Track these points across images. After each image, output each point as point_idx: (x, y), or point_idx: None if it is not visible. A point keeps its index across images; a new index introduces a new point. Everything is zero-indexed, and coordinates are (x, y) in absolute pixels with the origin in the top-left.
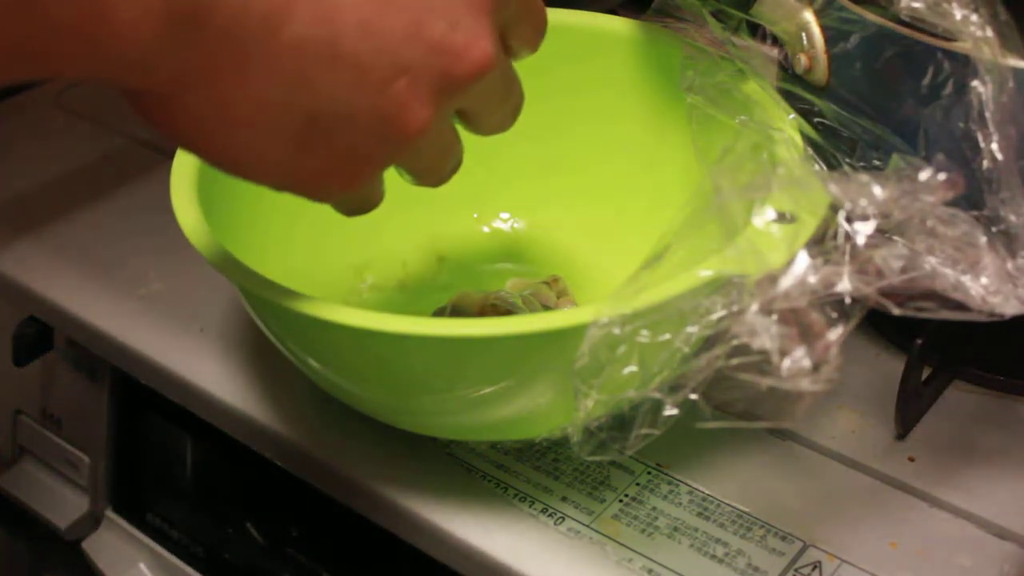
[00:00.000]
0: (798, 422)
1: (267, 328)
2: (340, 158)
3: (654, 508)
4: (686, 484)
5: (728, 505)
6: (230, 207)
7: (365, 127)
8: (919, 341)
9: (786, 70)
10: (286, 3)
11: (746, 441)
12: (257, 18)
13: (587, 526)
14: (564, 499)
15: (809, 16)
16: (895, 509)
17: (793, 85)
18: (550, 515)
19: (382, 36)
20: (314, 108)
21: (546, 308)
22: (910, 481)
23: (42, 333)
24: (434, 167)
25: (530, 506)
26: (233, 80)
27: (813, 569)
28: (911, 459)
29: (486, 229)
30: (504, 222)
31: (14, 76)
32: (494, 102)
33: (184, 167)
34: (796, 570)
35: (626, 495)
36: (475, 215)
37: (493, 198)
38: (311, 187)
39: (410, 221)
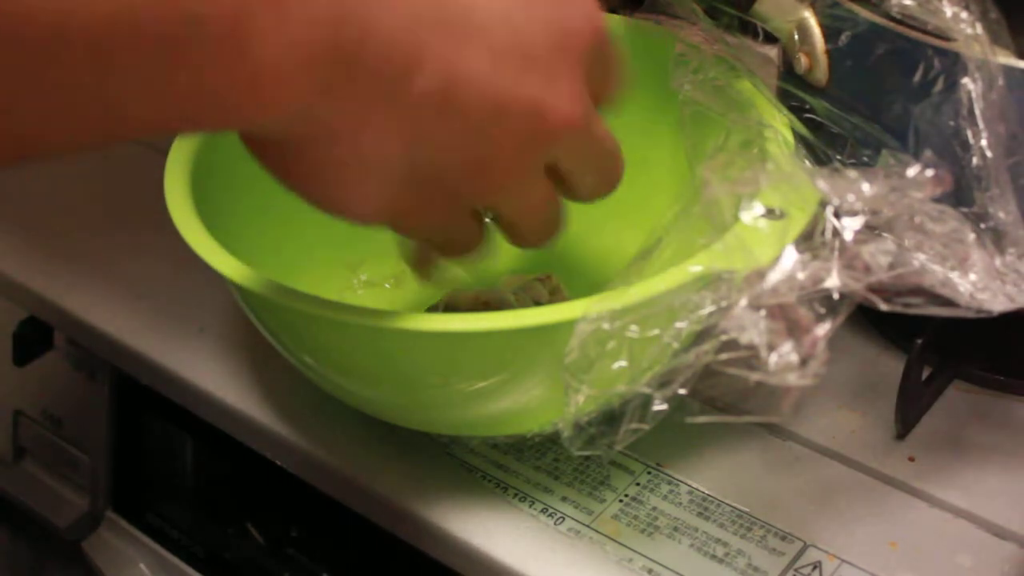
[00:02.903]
0: (785, 416)
1: (262, 325)
2: (434, 201)
3: (654, 508)
4: (686, 484)
5: (728, 505)
6: (225, 205)
7: (460, 171)
8: (919, 341)
9: (785, 70)
10: (418, 54)
11: (746, 441)
12: (393, 73)
13: (587, 526)
14: (564, 499)
15: (808, 15)
16: (895, 509)
17: (792, 85)
18: (550, 515)
19: (488, 90)
20: (419, 158)
21: (538, 304)
22: (910, 481)
23: (42, 333)
24: (529, 223)
25: (530, 506)
26: (362, 132)
27: (813, 569)
28: (911, 459)
29: None
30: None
31: (152, 136)
32: (587, 161)
33: (178, 166)
34: (796, 570)
35: (626, 495)
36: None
37: None
38: (401, 221)
39: None
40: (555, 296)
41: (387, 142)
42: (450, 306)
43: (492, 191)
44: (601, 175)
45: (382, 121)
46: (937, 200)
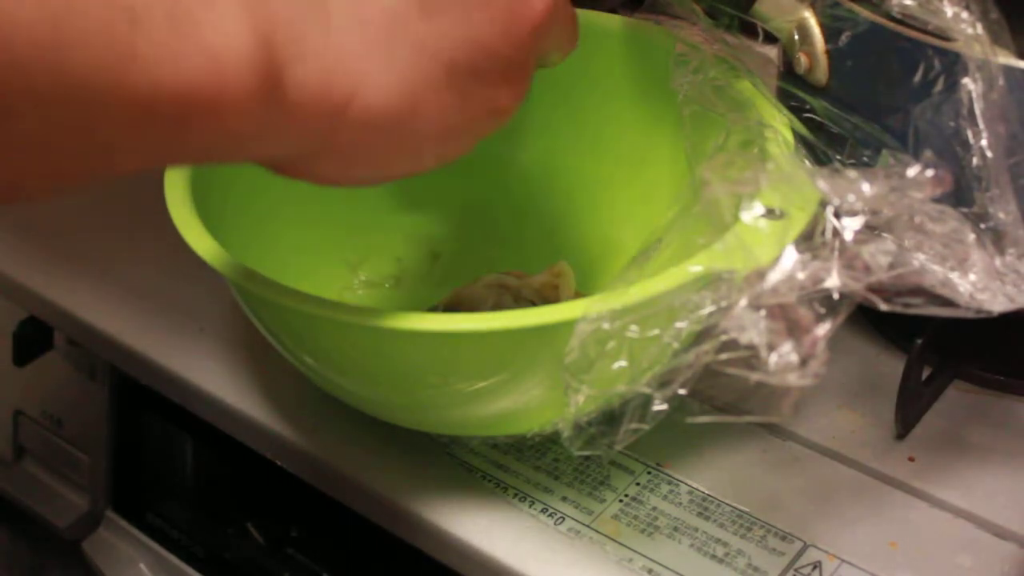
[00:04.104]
0: (785, 416)
1: (262, 325)
2: (478, 104)
3: (654, 508)
4: (686, 484)
5: (728, 505)
6: (225, 205)
7: (489, 52)
8: (919, 341)
9: (785, 70)
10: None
11: (746, 441)
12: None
13: (587, 526)
14: (564, 499)
15: (808, 15)
16: (895, 509)
17: (792, 85)
18: (550, 515)
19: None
20: (450, 63)
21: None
22: (910, 481)
23: (42, 333)
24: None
25: (530, 506)
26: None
27: (813, 569)
28: (911, 459)
29: (479, 225)
30: (497, 218)
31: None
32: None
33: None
34: (796, 570)
35: (626, 495)
36: (468, 211)
37: (487, 195)
38: (461, 145)
39: (404, 218)
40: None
41: (398, 57)
42: (450, 306)
43: (529, 48)
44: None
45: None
46: (937, 200)
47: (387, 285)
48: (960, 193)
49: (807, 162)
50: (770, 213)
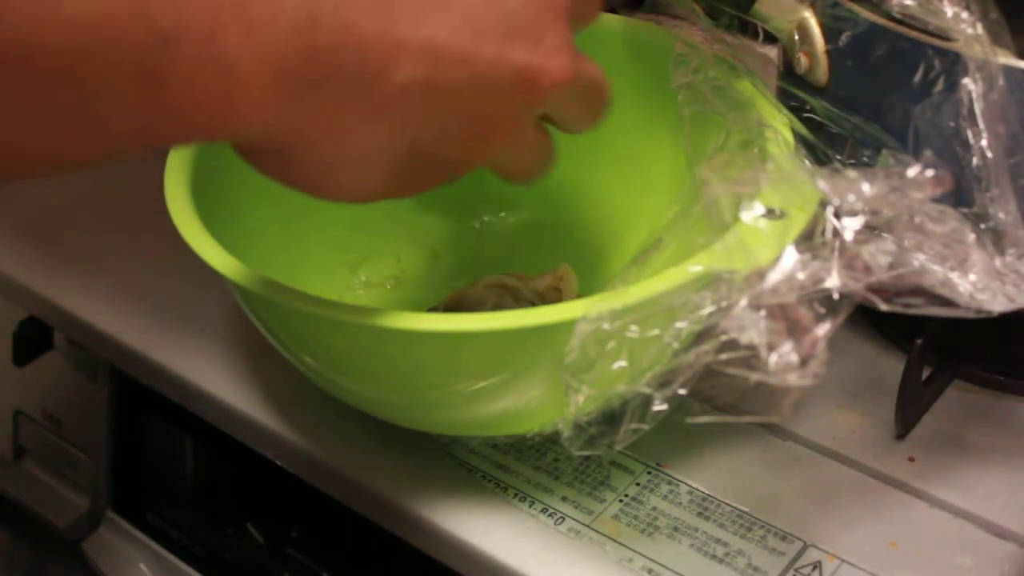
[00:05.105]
0: (785, 416)
1: (262, 325)
2: (433, 171)
3: (654, 508)
4: (686, 484)
5: (728, 505)
6: (224, 205)
7: (457, 144)
8: (919, 341)
9: (785, 70)
10: (394, 50)
11: (746, 441)
12: (370, 72)
13: (587, 526)
14: (564, 499)
15: (808, 15)
16: (895, 509)
17: (792, 85)
18: (550, 515)
19: (473, 67)
20: (413, 139)
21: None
22: (910, 481)
23: (42, 333)
24: (521, 167)
25: (530, 506)
26: (344, 132)
27: (813, 569)
28: (911, 459)
29: (479, 226)
30: (497, 219)
31: (133, 151)
32: (577, 103)
33: (178, 166)
34: (796, 570)
35: (626, 495)
36: (469, 212)
37: (487, 195)
38: (403, 194)
39: (405, 218)
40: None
41: (374, 135)
42: (450, 306)
43: (489, 153)
44: (590, 108)
45: (365, 117)
46: (937, 200)
47: (387, 285)
48: (960, 193)
49: (807, 162)
50: (770, 213)
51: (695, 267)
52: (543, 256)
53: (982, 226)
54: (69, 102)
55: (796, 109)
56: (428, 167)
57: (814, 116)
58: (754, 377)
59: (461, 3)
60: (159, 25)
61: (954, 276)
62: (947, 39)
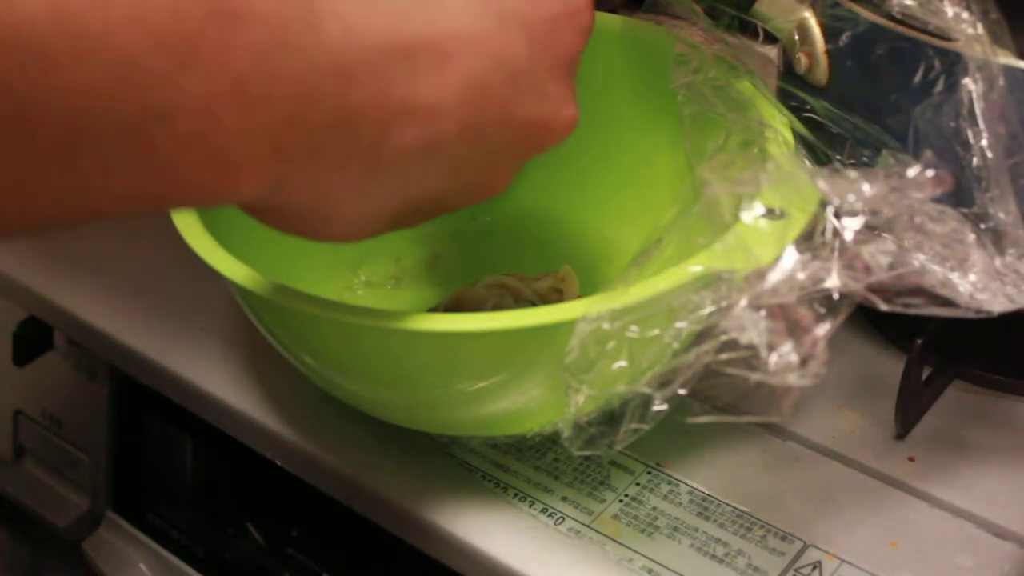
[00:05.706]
0: (785, 416)
1: (262, 326)
2: (432, 213)
3: (654, 508)
4: (686, 484)
5: (728, 505)
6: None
7: (458, 196)
8: (919, 341)
9: (785, 70)
10: (393, 117)
11: (746, 441)
12: (368, 141)
13: (587, 526)
14: (564, 499)
15: (808, 15)
16: (895, 509)
17: (792, 85)
18: (550, 515)
19: (479, 131)
20: (410, 196)
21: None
22: (910, 481)
23: (42, 333)
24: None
25: (530, 506)
26: (340, 195)
27: (813, 569)
28: (911, 459)
29: (480, 226)
30: (498, 219)
31: (123, 215)
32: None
33: None
34: (796, 570)
35: (626, 495)
36: (469, 212)
37: None
38: (401, 228)
39: None
40: (565, 294)
41: (371, 199)
42: (450, 307)
43: (487, 197)
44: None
45: (363, 182)
46: (937, 200)
47: (387, 285)
48: (960, 193)
49: (807, 162)
50: (770, 213)
51: (695, 267)
52: (543, 256)
53: (982, 226)
54: (57, 168)
55: (796, 109)
56: (427, 211)
57: (814, 116)
58: (754, 377)
59: (465, 64)
60: (154, 102)
61: (954, 276)
62: (947, 39)
